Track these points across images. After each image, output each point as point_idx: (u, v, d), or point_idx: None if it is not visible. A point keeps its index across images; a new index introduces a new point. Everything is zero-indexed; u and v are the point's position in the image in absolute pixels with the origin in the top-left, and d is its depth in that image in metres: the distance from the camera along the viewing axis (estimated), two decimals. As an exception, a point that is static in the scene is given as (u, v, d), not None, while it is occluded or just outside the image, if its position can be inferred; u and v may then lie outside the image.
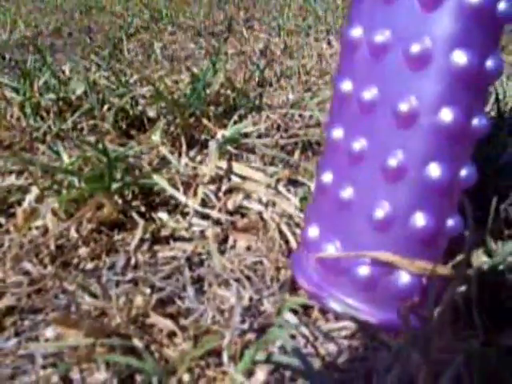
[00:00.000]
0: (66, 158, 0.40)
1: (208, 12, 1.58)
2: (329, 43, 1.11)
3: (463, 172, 0.24)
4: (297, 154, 0.45)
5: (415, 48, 0.21)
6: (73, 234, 0.35)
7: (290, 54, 0.99)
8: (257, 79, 0.74)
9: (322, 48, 1.05)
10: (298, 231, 0.35)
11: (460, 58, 0.21)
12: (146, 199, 0.39)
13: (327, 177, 0.26)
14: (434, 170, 0.23)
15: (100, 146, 0.37)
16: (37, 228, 0.37)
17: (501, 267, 0.27)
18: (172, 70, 0.70)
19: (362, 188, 0.24)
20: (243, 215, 0.37)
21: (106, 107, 0.54)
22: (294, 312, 0.28)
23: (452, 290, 0.23)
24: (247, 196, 0.38)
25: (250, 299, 0.30)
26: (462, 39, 0.21)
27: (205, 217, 0.37)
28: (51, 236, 0.34)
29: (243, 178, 0.40)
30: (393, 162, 0.23)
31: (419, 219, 0.23)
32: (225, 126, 0.51)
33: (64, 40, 1.39)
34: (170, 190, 0.37)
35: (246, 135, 0.47)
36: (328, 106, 0.58)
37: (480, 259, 0.28)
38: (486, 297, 0.26)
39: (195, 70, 0.66)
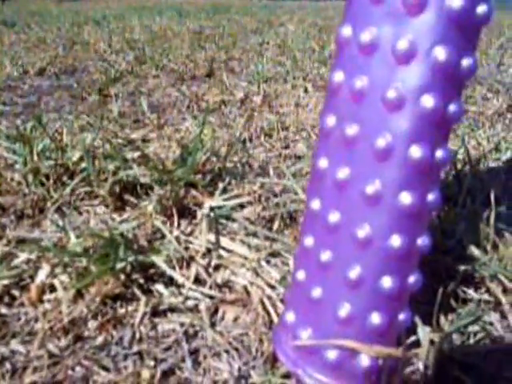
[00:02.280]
0: (73, 237, 0.45)
1: (189, 53, 1.64)
2: (305, 90, 1.18)
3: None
4: (276, 224, 0.51)
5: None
6: (82, 308, 0.40)
7: (268, 103, 1.05)
8: (238, 134, 0.81)
9: (299, 96, 1.12)
10: (278, 303, 0.41)
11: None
12: (144, 272, 0.44)
13: (301, 275, 0.32)
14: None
15: (106, 233, 0.42)
16: (48, 301, 0.42)
17: (447, 344, 0.33)
18: (160, 137, 0.76)
19: (329, 288, 0.30)
20: (230, 288, 0.43)
21: (101, 176, 0.60)
22: None
23: (402, 368, 0.29)
24: (233, 271, 0.43)
25: (239, 369, 0.35)
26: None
27: (198, 290, 0.42)
28: (64, 311, 0.39)
29: (229, 251, 0.46)
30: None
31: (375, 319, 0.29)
32: (211, 194, 0.57)
33: (51, 81, 1.43)
34: (168, 271, 0.42)
35: (231, 208, 0.53)
36: (303, 172, 0.64)
37: (428, 337, 0.34)
38: (435, 370, 0.32)
39: (182, 134, 0.73)
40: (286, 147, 0.78)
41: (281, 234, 0.50)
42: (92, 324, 0.39)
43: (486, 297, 0.40)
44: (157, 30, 2.62)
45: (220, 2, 9.49)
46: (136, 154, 0.63)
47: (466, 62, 0.26)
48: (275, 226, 0.51)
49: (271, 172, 0.62)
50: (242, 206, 0.54)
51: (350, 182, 0.28)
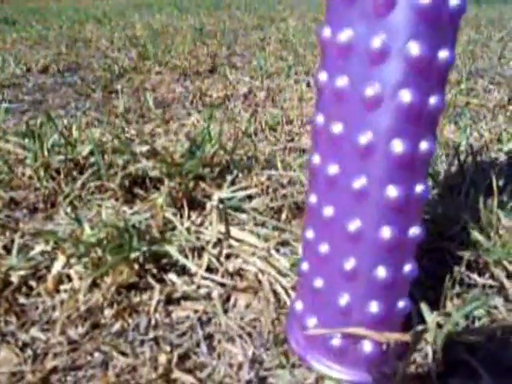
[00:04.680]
0: (87, 228, 0.46)
1: (191, 49, 1.65)
2: (308, 85, 1.19)
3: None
4: (284, 215, 0.52)
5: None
6: (98, 297, 0.41)
7: (272, 98, 1.06)
8: (244, 128, 0.82)
9: (302, 91, 1.12)
10: (289, 290, 0.42)
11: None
12: (157, 262, 0.45)
13: (305, 266, 0.33)
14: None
15: (120, 223, 0.43)
16: (65, 291, 0.43)
17: (453, 328, 0.34)
18: (167, 131, 0.77)
19: (329, 279, 0.32)
20: (242, 276, 0.44)
21: (111, 170, 0.61)
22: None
23: (411, 352, 0.30)
24: (244, 259, 0.45)
25: (253, 353, 0.36)
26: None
27: (210, 278, 0.43)
28: (81, 300, 0.41)
29: (239, 240, 0.47)
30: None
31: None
32: (219, 186, 0.58)
33: (55, 79, 1.44)
34: (181, 259, 0.43)
35: (239, 199, 0.54)
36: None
37: (435, 321, 0.35)
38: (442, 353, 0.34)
39: (188, 128, 0.74)
40: (291, 140, 0.79)
41: (289, 224, 0.51)
42: (108, 312, 0.41)
43: (490, 282, 0.41)
44: (158, 27, 2.62)
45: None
46: (144, 148, 0.64)
47: (442, 55, 0.26)
48: (283, 216, 0.52)
49: (278, 164, 0.63)
50: (250, 198, 0.56)
51: (338, 177, 0.29)
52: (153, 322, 0.40)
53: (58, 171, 0.63)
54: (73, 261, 0.44)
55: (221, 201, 0.54)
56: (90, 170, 0.61)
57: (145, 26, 2.66)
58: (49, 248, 0.46)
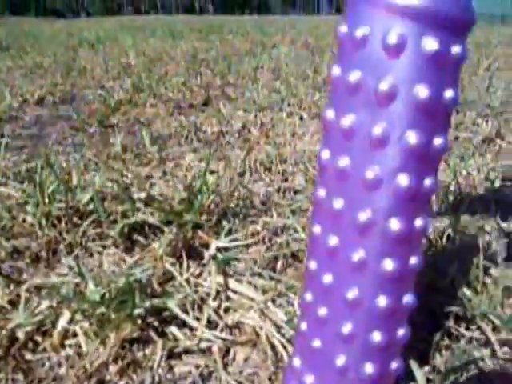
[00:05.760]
0: (91, 284, 0.48)
1: (185, 80, 1.68)
2: (301, 118, 1.22)
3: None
4: (279, 264, 0.54)
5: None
6: (103, 352, 0.43)
7: (266, 133, 1.09)
8: (238, 168, 0.84)
9: (294, 124, 1.15)
10: (286, 343, 0.44)
11: (412, 137, 0.28)
12: (158, 315, 0.47)
13: (303, 326, 0.35)
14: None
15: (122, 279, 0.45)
16: (70, 346, 0.45)
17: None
18: (163, 173, 0.79)
19: (326, 341, 0.34)
20: (240, 329, 0.46)
21: (111, 216, 0.63)
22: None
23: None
24: (242, 313, 0.47)
25: (252, 410, 0.38)
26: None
27: (210, 333, 0.45)
28: (86, 357, 0.42)
29: (237, 292, 0.49)
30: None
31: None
32: (217, 233, 0.60)
33: (51, 111, 1.47)
34: (182, 316, 0.45)
35: (236, 248, 0.56)
36: (303, 208, 0.68)
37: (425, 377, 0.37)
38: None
39: (184, 171, 0.76)
40: (285, 180, 0.81)
41: (284, 274, 0.53)
42: (113, 368, 0.42)
43: (476, 334, 0.44)
44: (152, 54, 2.66)
45: (212, 20, 9.60)
46: (143, 195, 0.66)
47: (437, 142, 0.29)
48: (279, 265, 0.54)
49: (272, 210, 0.65)
50: (247, 246, 0.58)
51: (343, 211, 0.31)
52: (156, 378, 0.41)
53: (58, 218, 0.65)
54: (78, 317, 0.46)
55: (218, 250, 0.56)
56: (91, 217, 0.63)
57: (138, 53, 2.70)
58: (54, 303, 0.48)
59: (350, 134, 0.30)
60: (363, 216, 0.30)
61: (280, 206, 0.68)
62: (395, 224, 0.30)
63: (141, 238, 0.62)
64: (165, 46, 3.08)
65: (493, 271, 0.50)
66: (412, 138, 0.29)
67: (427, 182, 0.30)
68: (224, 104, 1.37)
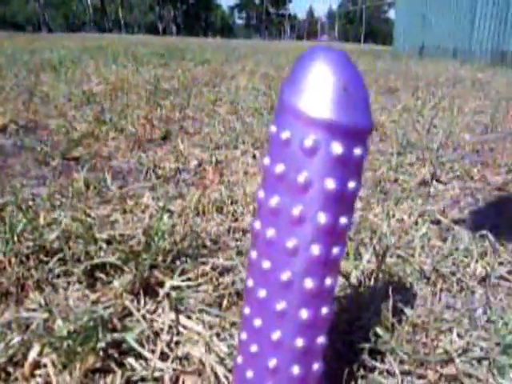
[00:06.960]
0: (59, 321, 0.55)
1: (146, 113, 1.76)
2: (254, 157, 1.32)
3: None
4: (225, 302, 0.62)
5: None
6: (69, 382, 0.50)
7: (220, 172, 1.18)
8: (192, 208, 0.92)
9: (247, 164, 1.24)
10: (227, 373, 0.52)
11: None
12: (118, 347, 0.54)
13: (239, 359, 0.43)
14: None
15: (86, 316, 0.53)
16: (40, 375, 0.52)
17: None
18: (123, 212, 0.87)
19: (257, 373, 0.42)
20: (189, 360, 0.54)
21: (75, 256, 0.70)
22: None
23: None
24: (191, 346, 0.54)
25: (196, 430, 0.46)
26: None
27: (163, 363, 0.53)
28: (54, 385, 0.49)
29: (187, 328, 0.57)
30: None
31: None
32: (172, 271, 0.68)
33: (14, 140, 1.51)
34: (139, 348, 0.53)
35: (188, 287, 0.64)
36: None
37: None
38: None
39: (142, 209, 0.84)
40: (235, 220, 0.90)
41: (229, 311, 0.61)
42: (77, 396, 0.49)
43: (387, 367, 0.53)
44: (114, 80, 2.72)
45: (174, 43, 9.72)
46: (104, 236, 0.74)
47: (342, 221, 0.38)
48: (224, 303, 0.62)
49: (220, 251, 0.74)
50: (197, 285, 0.66)
51: (269, 268, 0.40)
52: (115, 404, 0.49)
53: (27, 256, 0.71)
54: (47, 349, 0.52)
55: (172, 287, 0.64)
56: (57, 255, 0.70)
57: (101, 79, 2.76)
58: (25, 337, 0.54)
59: (276, 212, 0.39)
60: (284, 276, 0.39)
61: (228, 248, 0.77)
62: (309, 283, 0.39)
63: (103, 276, 0.69)
64: (127, 72, 3.15)
65: (407, 311, 0.60)
66: (322, 218, 0.38)
67: (335, 250, 0.39)
68: (182, 139, 1.45)
